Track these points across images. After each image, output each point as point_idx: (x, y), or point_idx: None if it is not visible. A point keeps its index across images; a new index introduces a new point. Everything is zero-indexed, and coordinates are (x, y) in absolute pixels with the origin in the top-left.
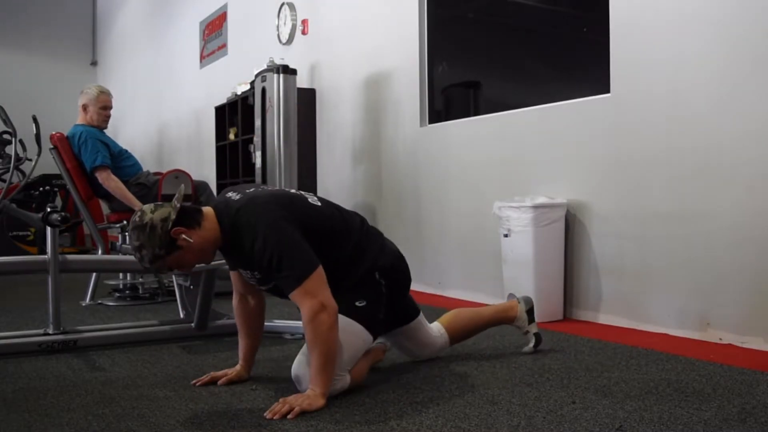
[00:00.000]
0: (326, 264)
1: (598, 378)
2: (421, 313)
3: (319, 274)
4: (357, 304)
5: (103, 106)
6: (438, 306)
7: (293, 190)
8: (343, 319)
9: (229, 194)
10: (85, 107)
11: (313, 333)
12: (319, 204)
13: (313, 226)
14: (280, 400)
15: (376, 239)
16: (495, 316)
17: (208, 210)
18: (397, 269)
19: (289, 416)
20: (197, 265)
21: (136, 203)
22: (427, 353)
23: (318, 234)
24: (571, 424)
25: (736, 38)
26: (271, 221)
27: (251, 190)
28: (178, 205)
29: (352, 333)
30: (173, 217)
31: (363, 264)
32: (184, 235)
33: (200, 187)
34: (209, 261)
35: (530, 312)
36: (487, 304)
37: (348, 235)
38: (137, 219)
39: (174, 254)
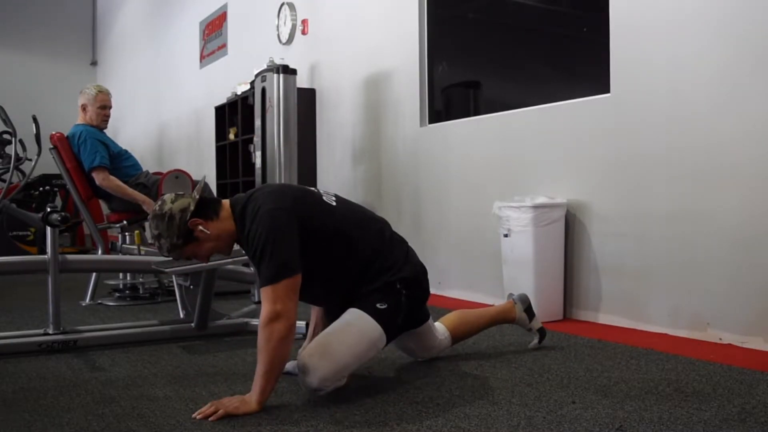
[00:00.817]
0: (336, 266)
1: (598, 378)
2: (431, 317)
3: (292, 282)
4: (378, 306)
5: (102, 105)
6: (438, 306)
7: (313, 188)
8: (366, 321)
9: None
10: (84, 107)
11: (264, 339)
12: (334, 204)
13: (318, 225)
14: (211, 402)
15: (401, 248)
16: (496, 317)
17: (225, 202)
18: (419, 282)
19: (211, 418)
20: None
21: (138, 197)
22: (429, 354)
23: (323, 233)
24: (571, 424)
25: (736, 38)
26: (269, 209)
27: (275, 183)
28: (197, 197)
29: (368, 339)
30: (192, 208)
31: (385, 272)
32: (201, 227)
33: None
34: (227, 252)
35: (528, 310)
36: (487, 304)
37: (362, 240)
38: (157, 208)
39: (191, 244)
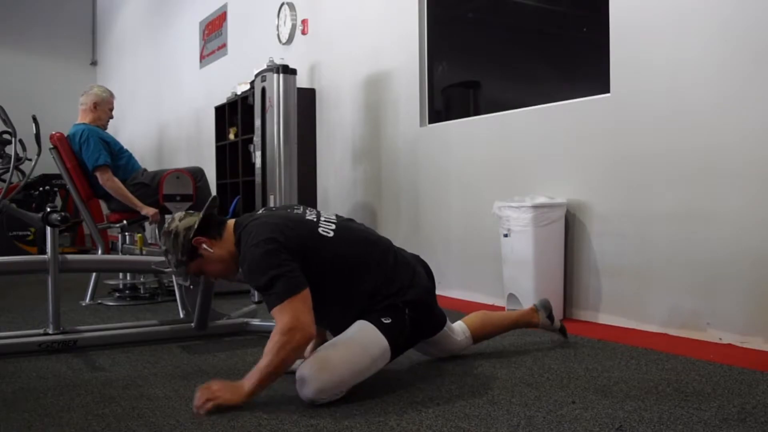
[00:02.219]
0: (334, 297)
1: (597, 378)
2: (447, 321)
3: (305, 296)
4: (383, 320)
5: (111, 107)
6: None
7: (312, 216)
8: (371, 334)
9: (259, 211)
10: (96, 105)
11: (278, 344)
12: (331, 234)
13: (313, 260)
14: (203, 387)
15: (406, 272)
16: (518, 322)
17: (231, 223)
18: (424, 305)
19: (201, 410)
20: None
21: (137, 203)
22: (448, 355)
23: (318, 268)
24: (571, 424)
25: (736, 38)
26: (262, 240)
27: (275, 210)
28: (202, 214)
29: (371, 356)
30: (196, 226)
31: (389, 297)
32: (204, 245)
33: (196, 173)
34: (233, 274)
35: (550, 316)
36: (487, 304)
37: (362, 274)
38: (166, 225)
39: (196, 261)
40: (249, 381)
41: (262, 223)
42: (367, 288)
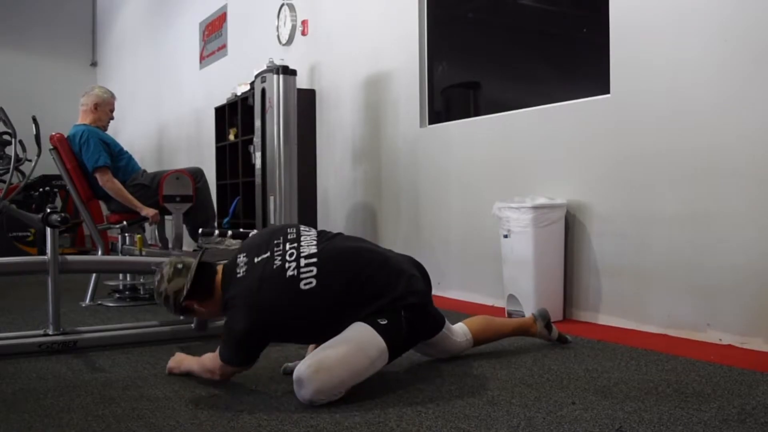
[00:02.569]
0: (330, 326)
1: (597, 378)
2: (446, 323)
3: (238, 370)
4: (379, 321)
5: (112, 108)
6: (438, 307)
7: (292, 268)
8: (368, 336)
9: (239, 260)
10: (96, 106)
11: (207, 369)
12: (314, 284)
13: (303, 313)
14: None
15: (400, 281)
16: (518, 329)
17: (219, 279)
18: (419, 307)
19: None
20: None
21: (137, 204)
22: (448, 356)
23: (309, 318)
24: (571, 425)
25: (736, 38)
26: (243, 329)
27: (257, 261)
28: (191, 277)
29: (369, 357)
30: (185, 292)
31: (385, 305)
32: (195, 305)
33: (196, 174)
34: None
35: (548, 325)
36: (487, 305)
37: (354, 302)
38: (156, 283)
39: (189, 313)
40: (189, 362)
41: (242, 307)
42: (360, 309)
